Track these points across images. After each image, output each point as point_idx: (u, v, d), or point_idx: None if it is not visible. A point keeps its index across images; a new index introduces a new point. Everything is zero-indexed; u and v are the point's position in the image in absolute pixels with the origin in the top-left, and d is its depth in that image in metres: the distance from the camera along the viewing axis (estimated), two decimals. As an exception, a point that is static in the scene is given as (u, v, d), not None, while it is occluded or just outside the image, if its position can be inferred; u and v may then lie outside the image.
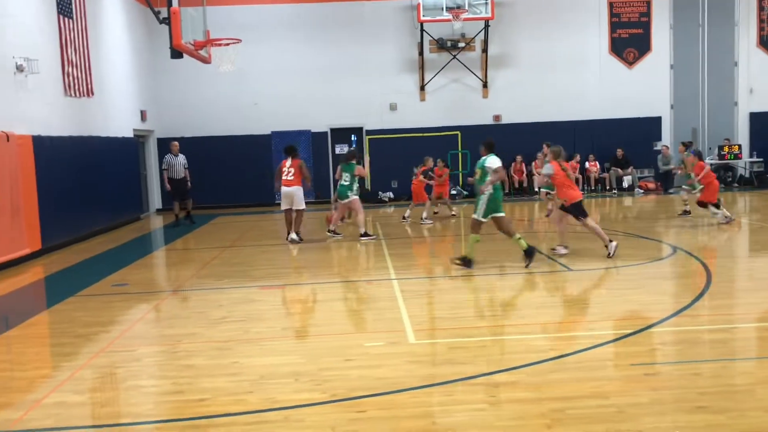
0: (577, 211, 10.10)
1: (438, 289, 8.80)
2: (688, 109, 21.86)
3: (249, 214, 18.64)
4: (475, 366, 5.48)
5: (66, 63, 14.01)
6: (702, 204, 13.24)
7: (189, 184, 16.21)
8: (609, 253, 9.87)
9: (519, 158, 20.82)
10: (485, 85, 21.35)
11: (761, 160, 21.51)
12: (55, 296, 9.09)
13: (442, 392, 4.98)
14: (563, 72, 21.16)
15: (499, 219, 9.52)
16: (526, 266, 9.45)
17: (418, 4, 19.82)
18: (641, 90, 21.33)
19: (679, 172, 14.97)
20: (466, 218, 15.75)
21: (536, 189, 13.89)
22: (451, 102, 21.29)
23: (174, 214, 16.52)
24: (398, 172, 20.22)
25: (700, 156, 13.45)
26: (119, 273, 10.53)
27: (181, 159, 15.96)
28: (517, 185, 20.89)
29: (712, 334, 6.33)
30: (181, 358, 6.05)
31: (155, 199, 20.41)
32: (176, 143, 16.29)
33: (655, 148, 21.25)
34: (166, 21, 13.98)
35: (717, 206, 13.14)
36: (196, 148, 19.58)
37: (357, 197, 13.01)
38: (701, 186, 13.29)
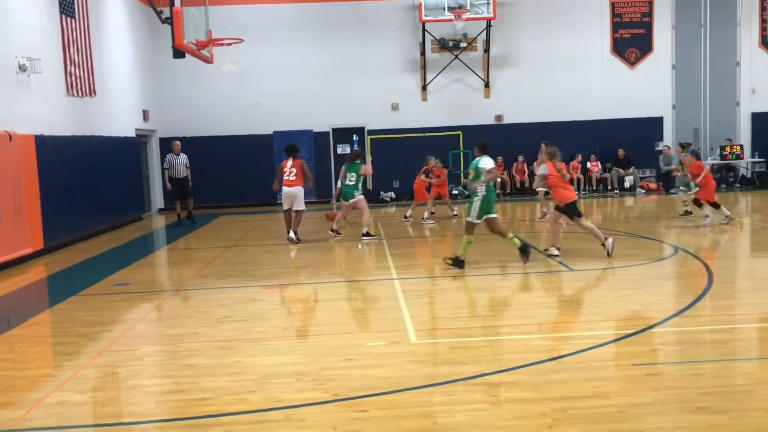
0: (572, 211, 10.11)
1: (439, 289, 8.81)
2: (689, 109, 21.85)
3: (251, 214, 18.66)
4: (477, 366, 5.49)
5: (68, 63, 14.04)
6: (698, 202, 13.21)
7: (190, 183, 16.23)
8: (607, 252, 9.89)
9: (521, 158, 20.82)
10: (487, 85, 21.35)
11: (763, 160, 21.50)
12: (57, 295, 9.10)
13: (444, 392, 4.99)
14: (565, 72, 21.16)
15: (492, 220, 9.56)
16: (525, 263, 9.50)
17: (420, 4, 19.83)
18: (643, 90, 21.32)
19: (678, 173, 14.96)
20: (468, 218, 15.75)
21: (535, 189, 13.85)
22: (453, 102, 21.30)
23: (176, 214, 16.54)
24: (400, 172, 20.26)
25: (697, 156, 13.44)
26: (121, 272, 10.55)
27: (183, 158, 15.97)
28: (518, 185, 20.90)
29: (714, 334, 6.33)
30: (183, 358, 6.06)
31: (157, 199, 20.43)
32: (178, 143, 16.31)
33: (656, 149, 21.24)
34: (169, 21, 13.99)
35: (717, 206, 13.12)
36: (199, 147, 19.61)
37: (362, 196, 13.03)
38: (696, 187, 13.30)
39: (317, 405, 4.78)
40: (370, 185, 19.89)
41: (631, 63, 21.54)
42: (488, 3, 19.84)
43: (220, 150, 20.64)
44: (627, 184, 21.02)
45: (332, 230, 13.22)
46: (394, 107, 21.28)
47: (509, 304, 8.01)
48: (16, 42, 12.02)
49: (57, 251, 12.83)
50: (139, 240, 14.80)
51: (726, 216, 13.01)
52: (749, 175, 21.75)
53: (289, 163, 12.71)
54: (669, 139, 21.48)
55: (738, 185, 21.54)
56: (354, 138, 21.30)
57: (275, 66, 20.78)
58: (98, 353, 6.27)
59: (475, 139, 20.67)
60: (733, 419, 4.31)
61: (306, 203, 13.20)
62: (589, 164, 21.22)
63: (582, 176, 21.08)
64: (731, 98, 21.91)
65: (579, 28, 21.26)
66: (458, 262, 9.48)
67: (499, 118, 21.41)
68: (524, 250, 9.56)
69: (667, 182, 20.72)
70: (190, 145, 18.70)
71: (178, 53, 14.47)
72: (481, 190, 9.37)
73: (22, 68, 12.06)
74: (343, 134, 21.34)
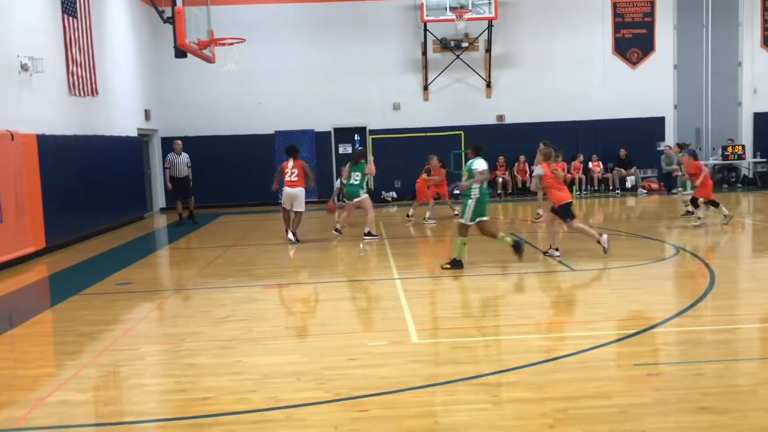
0: (565, 213, 10.12)
1: (441, 289, 8.81)
2: (691, 109, 21.83)
3: (252, 214, 18.67)
4: (478, 366, 5.49)
5: (70, 62, 14.05)
6: (695, 201, 13.19)
7: (191, 183, 16.23)
8: (604, 249, 9.92)
9: (522, 158, 20.82)
10: (488, 85, 21.34)
11: (765, 160, 21.48)
12: (59, 295, 9.12)
13: (445, 392, 4.99)
14: (567, 72, 21.15)
15: (484, 223, 9.58)
16: (519, 259, 9.55)
17: (422, 4, 19.83)
18: (645, 90, 21.30)
19: (678, 173, 14.96)
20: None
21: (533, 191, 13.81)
22: (455, 102, 21.29)
23: (177, 213, 16.55)
24: (401, 171, 20.26)
25: (695, 156, 13.40)
26: (123, 272, 10.56)
27: (184, 158, 15.98)
28: (520, 185, 20.89)
29: (715, 334, 6.32)
30: (184, 357, 6.06)
31: (159, 198, 20.45)
32: (179, 142, 16.32)
33: (658, 149, 21.20)
34: (170, 20, 14.00)
35: (716, 204, 13.11)
36: (200, 147, 19.63)
37: (367, 196, 13.03)
38: (693, 188, 13.30)
39: (318, 405, 4.78)
40: (371, 185, 19.88)
41: (633, 63, 21.53)
42: (490, 3, 19.83)
43: (222, 150, 20.65)
44: (629, 184, 21.01)
45: (336, 230, 13.18)
46: (396, 107, 21.28)
47: (510, 304, 8.01)
48: (18, 42, 12.03)
49: (59, 250, 12.85)
50: (140, 239, 14.82)
51: (725, 215, 13.01)
52: (751, 176, 21.73)
53: (290, 164, 12.70)
54: (671, 139, 21.45)
55: (740, 185, 21.52)
56: (355, 138, 21.30)
57: (277, 66, 20.79)
58: (100, 352, 6.28)
59: (477, 139, 20.73)
60: (735, 419, 4.31)
61: (307, 203, 13.20)
62: (590, 164, 21.22)
63: (584, 176, 21.07)
64: (733, 98, 21.89)
65: (581, 28, 21.24)
66: (456, 263, 9.49)
67: (500, 118, 21.40)
68: (517, 247, 9.59)
69: (668, 182, 20.70)
70: (192, 144, 18.73)
71: (180, 53, 14.48)
72: (474, 193, 9.38)
73: (24, 68, 12.08)
74: (344, 134, 21.34)
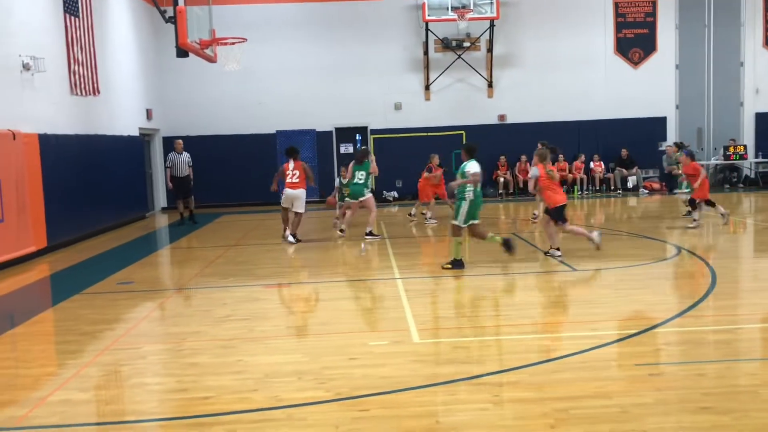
0: (558, 215, 10.12)
1: (442, 289, 8.80)
2: (693, 109, 21.82)
3: (254, 213, 18.68)
4: (479, 365, 5.49)
5: (72, 61, 14.06)
6: (693, 203, 13.16)
7: (192, 182, 16.23)
8: (597, 246, 9.96)
9: (523, 158, 20.81)
10: (490, 85, 21.34)
11: (766, 160, 21.46)
12: (61, 294, 9.13)
13: (446, 391, 4.99)
14: (568, 72, 21.14)
15: (475, 226, 9.60)
16: (512, 256, 9.63)
17: (424, 4, 19.84)
18: (646, 90, 21.29)
19: (676, 172, 14.97)
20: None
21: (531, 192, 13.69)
22: (456, 102, 21.29)
23: (179, 213, 16.56)
24: (403, 171, 20.26)
25: (692, 156, 13.36)
26: (124, 271, 10.57)
27: (185, 157, 15.99)
28: (521, 185, 20.88)
29: (717, 334, 6.32)
30: (185, 356, 6.07)
31: (160, 198, 20.46)
32: (180, 142, 16.33)
33: (660, 149, 21.19)
34: (172, 20, 14.01)
35: (712, 204, 13.08)
36: (202, 146, 19.66)
37: (371, 195, 13.03)
38: (689, 188, 13.27)
39: (319, 404, 4.79)
40: (373, 185, 19.87)
41: (635, 63, 21.52)
42: (491, 3, 19.83)
43: (223, 149, 20.67)
44: (630, 184, 20.99)
45: (340, 230, 13.13)
46: (397, 107, 21.28)
47: (511, 304, 8.01)
48: (19, 41, 12.04)
49: (60, 250, 12.86)
50: (141, 239, 14.83)
51: (722, 214, 13.00)
52: (753, 176, 21.71)
53: (291, 165, 12.68)
54: (672, 139, 21.36)
55: (741, 185, 21.50)
56: (357, 137, 21.25)
57: (278, 65, 20.79)
58: (101, 352, 6.29)
59: (478, 139, 20.83)
60: (736, 419, 4.31)
61: (307, 203, 13.19)
62: (592, 164, 21.21)
63: (585, 176, 21.07)
64: (735, 98, 21.88)
65: (582, 28, 21.23)
66: (457, 263, 9.50)
67: (502, 117, 21.39)
68: (507, 245, 9.63)
69: (670, 183, 20.67)
70: (193, 144, 18.75)
71: (182, 52, 14.49)
72: (468, 194, 9.40)
73: (26, 67, 12.08)
74: (346, 134, 21.34)
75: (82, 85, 14.53)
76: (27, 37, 12.30)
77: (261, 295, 8.59)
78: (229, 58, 15.56)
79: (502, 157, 21.00)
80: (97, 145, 15.07)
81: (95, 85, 15.21)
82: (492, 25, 20.64)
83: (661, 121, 21.52)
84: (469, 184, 9.41)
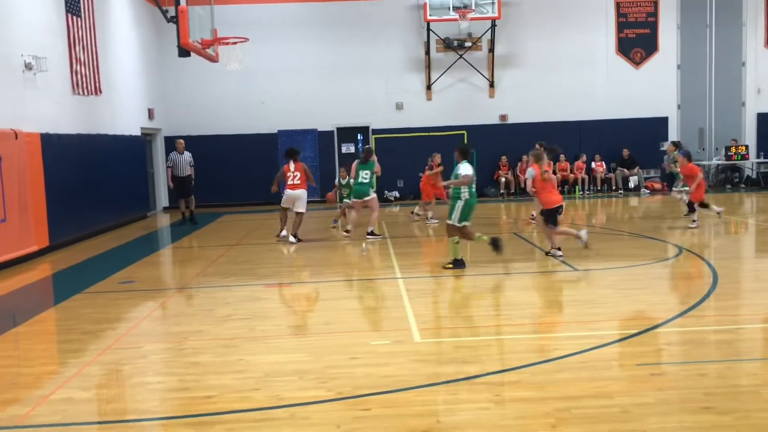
0: (549, 217, 10.14)
1: (443, 288, 8.81)
2: (695, 109, 21.81)
3: (255, 213, 18.69)
4: (480, 365, 5.49)
5: (74, 61, 14.08)
6: (691, 205, 13.13)
7: (193, 182, 16.23)
8: (585, 244, 9.97)
9: (525, 158, 20.76)
10: (492, 85, 21.33)
11: (768, 160, 21.47)
12: (63, 293, 9.14)
13: (447, 391, 4.99)
14: (570, 72, 21.14)
15: (465, 227, 9.63)
16: (499, 254, 9.65)
17: (425, 4, 19.84)
18: (648, 90, 21.28)
19: (672, 168, 14.97)
20: (473, 218, 15.73)
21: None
22: (458, 101, 21.29)
23: (180, 212, 16.58)
24: (404, 171, 20.27)
25: (689, 157, 13.32)
26: (126, 270, 10.58)
27: (187, 157, 15.99)
28: (522, 185, 20.84)
29: (718, 334, 6.32)
30: (187, 356, 6.07)
31: (162, 197, 20.48)
32: (181, 141, 16.34)
33: (661, 149, 21.19)
34: (174, 19, 14.03)
35: (705, 205, 13.05)
36: (203, 146, 19.68)
37: (375, 195, 13.03)
38: (685, 185, 13.25)
39: (320, 403, 4.79)
40: (374, 185, 19.87)
41: (636, 63, 21.50)
42: (493, 3, 19.83)
43: (225, 149, 20.68)
44: (631, 185, 20.98)
45: (346, 231, 13.09)
46: (399, 106, 21.29)
47: (513, 303, 8.01)
48: (22, 41, 12.05)
49: (62, 249, 12.88)
50: (143, 238, 14.84)
51: (718, 213, 13.00)
52: (754, 176, 21.69)
53: (292, 166, 12.68)
54: (674, 139, 21.41)
55: (743, 186, 21.48)
56: (358, 137, 21.28)
57: (280, 65, 20.80)
58: (103, 351, 6.30)
59: (480, 138, 20.87)
60: (738, 420, 4.31)
61: (308, 202, 13.19)
62: (593, 164, 21.20)
63: (586, 176, 21.06)
64: (737, 98, 21.86)
65: (584, 28, 21.23)
66: (457, 263, 9.51)
67: (503, 117, 21.39)
68: (495, 244, 9.67)
69: (671, 182, 20.65)
70: (195, 143, 18.77)
71: (184, 52, 14.51)
72: (464, 194, 9.43)
73: (28, 67, 12.10)
74: (347, 133, 21.35)
75: (84, 85, 14.55)
76: (29, 37, 12.31)
77: (262, 295, 8.60)
78: (230, 58, 15.57)
79: (504, 157, 21.00)
80: (98, 145, 15.08)
81: (97, 84, 15.22)
82: (493, 25, 20.65)
83: (662, 122, 21.51)
84: (464, 185, 9.43)
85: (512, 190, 21.00)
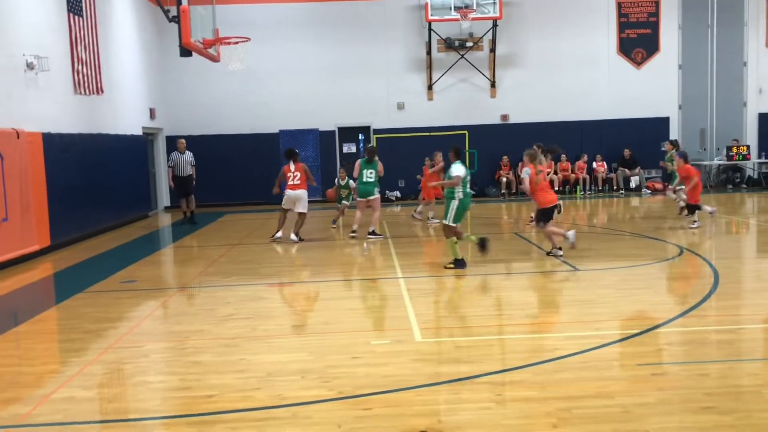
0: (543, 216, 10.16)
1: (444, 288, 8.81)
2: (696, 109, 21.79)
3: (257, 212, 18.69)
4: (481, 364, 5.49)
5: (76, 61, 14.09)
6: (689, 206, 13.10)
7: (194, 182, 16.22)
8: (571, 245, 10.01)
9: (527, 158, 20.77)
10: (493, 85, 21.33)
11: (770, 161, 21.45)
12: (64, 292, 9.14)
13: (448, 390, 4.99)
14: (571, 72, 21.14)
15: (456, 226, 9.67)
16: (485, 255, 9.68)
17: (426, 4, 19.84)
18: (649, 90, 21.28)
19: (669, 167, 14.96)
20: (474, 218, 15.74)
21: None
22: (459, 101, 21.29)
23: (182, 212, 16.59)
24: (405, 171, 20.24)
25: (686, 158, 13.29)
26: (128, 270, 10.59)
27: (188, 156, 15.99)
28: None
29: (720, 334, 6.32)
30: (189, 355, 6.08)
31: (164, 197, 20.49)
32: (183, 141, 16.35)
33: (662, 149, 21.16)
34: (176, 19, 14.04)
35: (699, 208, 13.01)
36: (205, 146, 19.70)
37: (379, 195, 13.02)
38: (682, 184, 13.25)
39: (322, 403, 4.80)
40: (378, 184, 19.87)
41: (638, 63, 21.50)
42: (494, 3, 19.83)
43: (226, 148, 20.70)
44: (633, 185, 20.98)
45: (353, 232, 13.04)
46: (400, 106, 21.29)
47: (514, 303, 8.01)
48: (23, 40, 12.06)
49: (64, 248, 12.89)
50: (145, 238, 14.85)
51: (710, 212, 13.02)
52: (756, 176, 21.67)
53: (292, 167, 12.68)
54: (676, 139, 21.41)
55: (744, 186, 21.47)
56: (360, 137, 21.32)
57: (281, 65, 20.81)
58: (105, 350, 6.30)
59: (481, 138, 20.86)
60: (739, 420, 4.31)
61: (309, 202, 13.19)
62: (594, 164, 21.20)
63: (588, 176, 21.06)
64: (738, 98, 21.85)
65: (585, 28, 21.22)
66: (458, 263, 9.52)
67: (505, 117, 21.39)
68: (482, 245, 9.69)
69: (673, 183, 20.65)
70: (197, 143, 18.78)
71: (185, 52, 14.52)
72: (458, 194, 9.45)
73: (29, 66, 12.11)
74: (348, 133, 21.36)
75: (86, 85, 14.56)
76: (31, 37, 12.32)
77: (264, 294, 8.61)
78: (232, 58, 15.58)
79: (505, 157, 20.99)
80: (100, 144, 15.09)
81: (99, 84, 15.24)
82: (495, 25, 20.65)
83: (663, 122, 21.50)
84: (458, 186, 9.45)
85: (513, 190, 20.97)
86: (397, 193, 21.10)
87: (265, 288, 8.98)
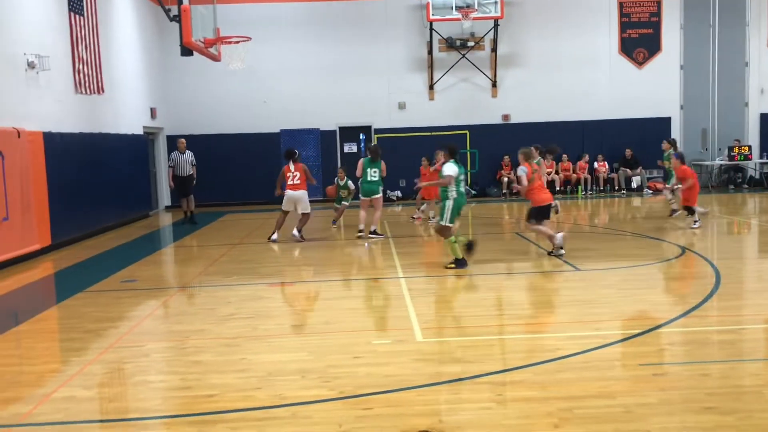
0: (536, 214, 10.15)
1: (445, 288, 8.80)
2: (698, 109, 21.77)
3: (257, 212, 18.68)
4: (482, 364, 5.48)
5: (77, 60, 14.09)
6: (686, 208, 13.07)
7: (194, 181, 16.20)
8: (558, 246, 10.03)
9: (521, 157, 20.75)
10: (494, 85, 21.32)
11: (771, 161, 21.43)
12: (65, 292, 9.14)
13: (449, 390, 4.99)
14: (573, 72, 21.12)
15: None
16: (471, 256, 9.66)
17: (428, 3, 19.82)
18: (651, 90, 21.25)
19: (666, 165, 14.96)
20: (475, 218, 15.74)
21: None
22: (460, 101, 21.28)
23: (183, 211, 16.58)
24: (406, 171, 20.22)
25: (682, 159, 13.26)
26: (128, 269, 10.59)
27: (188, 156, 15.98)
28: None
29: (721, 334, 6.31)
30: (189, 354, 6.07)
31: (164, 196, 20.49)
32: (183, 140, 16.34)
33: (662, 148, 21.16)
34: (177, 18, 14.03)
35: (692, 210, 13.00)
36: (206, 145, 19.70)
37: (381, 194, 13.00)
38: (679, 184, 13.23)
39: (323, 402, 4.79)
40: (382, 183, 19.86)
41: (639, 63, 21.47)
42: (496, 2, 19.81)
43: (227, 148, 20.69)
44: (634, 185, 20.95)
45: (360, 231, 13.00)
46: (401, 106, 21.28)
47: (515, 303, 8.00)
48: (24, 39, 12.06)
49: (64, 248, 12.89)
50: (145, 237, 14.85)
51: (702, 213, 13.06)
52: (757, 176, 21.64)
53: (291, 167, 12.66)
54: (677, 139, 21.33)
55: (746, 186, 21.45)
56: (361, 137, 21.31)
57: (282, 64, 20.80)
58: (105, 349, 6.30)
59: (482, 138, 20.85)
60: (740, 420, 4.30)
61: (310, 201, 13.16)
62: (596, 164, 21.18)
63: (589, 176, 21.05)
64: (740, 99, 21.83)
65: (587, 27, 21.21)
66: (459, 262, 9.51)
67: (506, 117, 21.38)
68: (469, 247, 9.72)
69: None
70: (197, 143, 18.78)
71: (186, 51, 14.51)
72: (451, 193, 9.44)
73: (30, 65, 12.11)
74: (349, 133, 21.35)
75: (87, 84, 14.56)
76: (32, 36, 12.32)
77: (265, 294, 8.60)
78: (233, 57, 15.57)
79: (506, 157, 20.96)
80: (101, 144, 15.09)
81: (100, 83, 15.24)
82: (496, 25, 20.64)
83: (665, 122, 21.46)
84: (450, 185, 9.44)
85: (514, 191, 20.92)
86: (398, 193, 21.08)
87: (266, 288, 8.97)
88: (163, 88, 20.35)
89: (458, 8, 19.52)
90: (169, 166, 16.23)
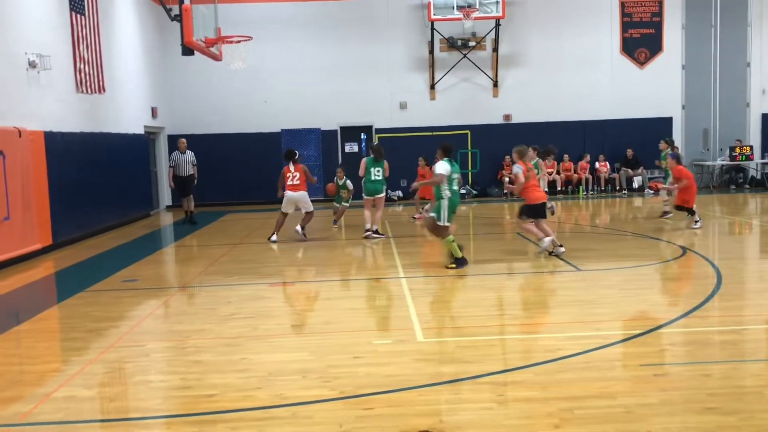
0: (528, 212, 10.16)
1: (446, 288, 8.79)
2: (699, 109, 21.75)
3: (258, 212, 18.68)
4: (483, 365, 5.47)
5: (78, 59, 14.09)
6: (686, 209, 13.04)
7: (195, 181, 16.19)
8: (543, 250, 10.04)
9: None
10: (495, 85, 21.31)
11: (773, 161, 21.41)
12: (66, 291, 9.15)
13: (450, 390, 4.98)
14: (574, 72, 21.11)
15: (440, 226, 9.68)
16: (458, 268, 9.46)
17: (429, 3, 19.81)
18: (652, 90, 21.24)
19: (662, 165, 14.94)
20: (476, 218, 15.73)
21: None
22: (461, 101, 21.27)
23: (184, 211, 16.58)
24: (407, 171, 20.20)
25: (678, 160, 13.21)
26: (129, 269, 10.59)
27: (189, 156, 15.97)
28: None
29: (722, 335, 6.30)
30: (190, 354, 6.07)
31: (165, 196, 20.50)
32: (183, 140, 16.33)
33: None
34: (178, 18, 14.03)
35: (681, 209, 12.97)
36: (206, 145, 19.69)
37: (384, 194, 12.99)
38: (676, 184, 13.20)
39: (323, 402, 4.78)
40: (385, 182, 19.86)
41: (641, 63, 21.46)
42: (497, 2, 19.80)
43: (228, 148, 20.69)
44: (635, 185, 20.92)
45: (367, 231, 12.97)
46: (402, 106, 21.27)
47: (516, 303, 8.00)
48: (26, 39, 12.07)
49: (65, 247, 12.89)
50: (146, 237, 14.85)
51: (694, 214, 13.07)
52: (759, 177, 21.62)
53: (291, 168, 12.65)
54: (678, 139, 21.36)
55: (747, 186, 21.42)
56: (362, 137, 21.30)
57: (284, 64, 20.80)
58: (106, 349, 6.30)
59: (484, 138, 20.85)
60: (741, 420, 4.29)
61: (312, 201, 13.16)
62: (597, 164, 21.16)
63: (590, 176, 21.04)
64: (741, 99, 21.81)
65: (588, 27, 21.19)
66: (460, 262, 9.50)
67: (507, 117, 21.37)
68: (459, 249, 9.69)
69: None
70: (198, 142, 18.78)
71: (187, 51, 14.51)
72: (445, 193, 9.43)
73: (32, 65, 12.11)
74: (350, 133, 21.35)
75: (88, 83, 14.57)
76: (33, 35, 12.33)
77: (265, 294, 8.60)
78: (234, 57, 15.57)
79: (507, 157, 20.87)
80: (102, 143, 15.09)
81: (101, 83, 15.24)
82: (497, 25, 20.63)
83: (667, 122, 21.44)
84: (443, 184, 9.44)
85: (506, 190, 20.92)
86: (399, 193, 21.07)
87: (267, 287, 8.97)
88: (164, 87, 20.36)
89: (459, 8, 19.51)
90: (170, 166, 16.23)
